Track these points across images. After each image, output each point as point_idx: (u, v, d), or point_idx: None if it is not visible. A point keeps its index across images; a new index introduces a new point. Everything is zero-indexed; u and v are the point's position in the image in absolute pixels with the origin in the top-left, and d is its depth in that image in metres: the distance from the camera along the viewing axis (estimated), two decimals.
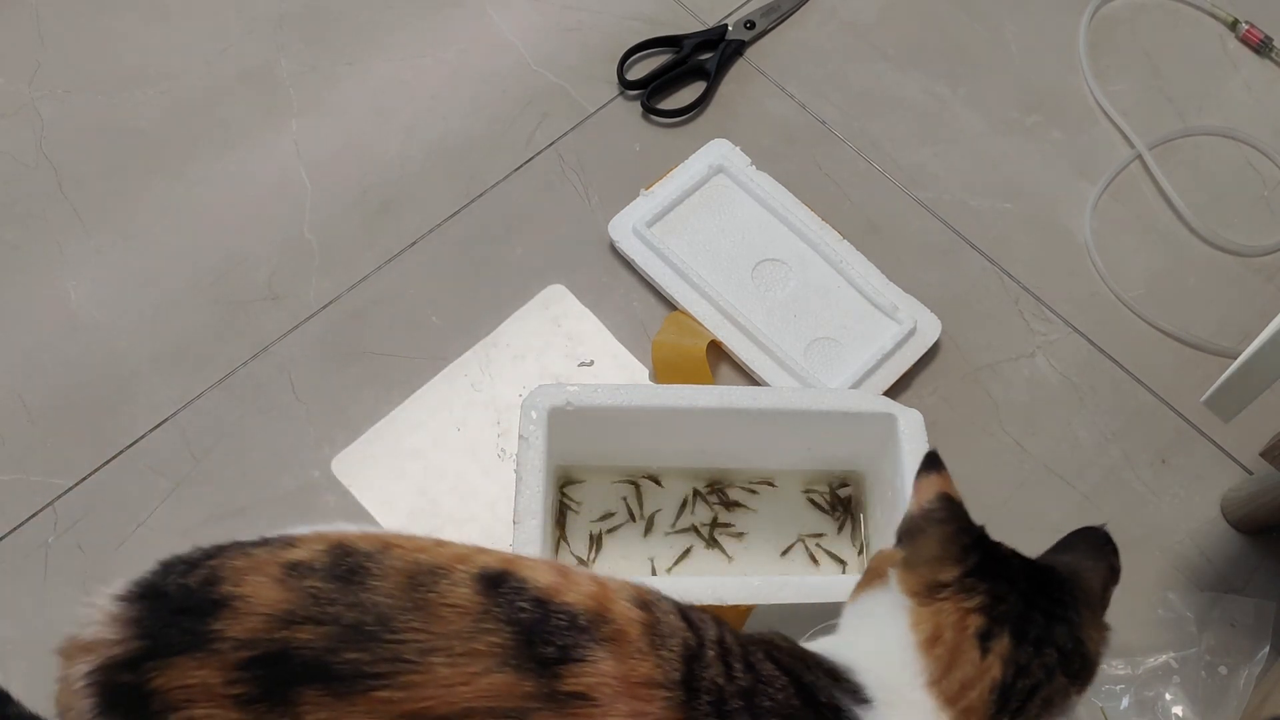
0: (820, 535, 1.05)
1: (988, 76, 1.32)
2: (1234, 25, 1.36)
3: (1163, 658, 1.01)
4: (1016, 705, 0.68)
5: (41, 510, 1.04)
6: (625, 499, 1.06)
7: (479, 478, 1.08)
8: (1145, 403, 1.15)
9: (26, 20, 1.29)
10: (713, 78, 1.28)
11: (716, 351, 1.13)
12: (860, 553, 1.05)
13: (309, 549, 0.67)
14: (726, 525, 1.06)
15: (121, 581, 0.68)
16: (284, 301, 1.15)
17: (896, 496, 0.94)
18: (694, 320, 1.14)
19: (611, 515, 1.05)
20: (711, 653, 0.67)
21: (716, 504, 1.06)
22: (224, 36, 1.29)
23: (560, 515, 1.05)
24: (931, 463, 0.78)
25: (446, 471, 1.08)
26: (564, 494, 1.06)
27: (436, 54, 1.30)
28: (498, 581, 0.66)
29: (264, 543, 0.69)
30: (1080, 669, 0.71)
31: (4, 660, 0.99)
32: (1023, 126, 1.29)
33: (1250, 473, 1.11)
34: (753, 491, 1.07)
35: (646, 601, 0.68)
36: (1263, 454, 1.00)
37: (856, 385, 1.10)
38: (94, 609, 0.67)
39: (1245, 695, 0.99)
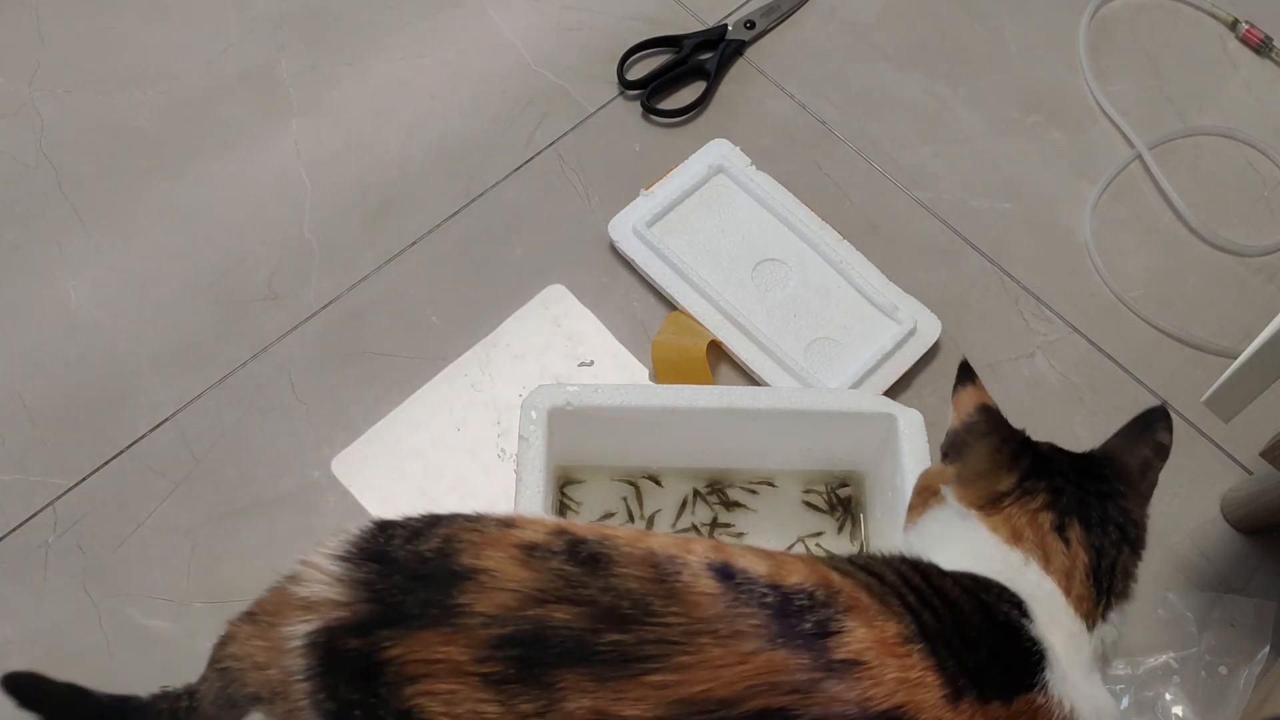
0: (820, 535, 1.05)
1: (988, 76, 1.32)
2: (1234, 25, 1.36)
3: (1163, 658, 1.00)
4: (1107, 583, 0.72)
5: (41, 510, 1.04)
6: (625, 499, 1.06)
7: (479, 478, 1.08)
8: (1145, 403, 1.14)
9: (26, 20, 1.29)
10: (713, 78, 1.28)
11: (716, 351, 1.13)
12: (860, 552, 1.05)
13: (536, 531, 0.67)
14: (726, 525, 1.06)
15: (335, 540, 0.66)
16: (284, 301, 1.15)
17: (896, 496, 0.94)
18: (694, 320, 1.14)
19: (612, 515, 1.05)
20: (912, 598, 0.67)
21: (716, 504, 1.06)
22: (224, 36, 1.29)
23: (560, 515, 1.05)
24: (966, 374, 0.80)
25: (446, 471, 1.08)
26: (564, 494, 1.06)
27: (436, 54, 1.30)
28: (728, 572, 0.65)
29: (478, 518, 0.68)
30: (1136, 538, 0.74)
31: (4, 660, 0.98)
32: (1023, 126, 1.29)
33: (1250, 473, 1.11)
34: (753, 491, 1.07)
35: (840, 568, 0.69)
36: (1263, 454, 1.01)
37: (856, 385, 1.10)
38: (312, 568, 0.65)
39: (1245, 695, 0.99)
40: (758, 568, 0.67)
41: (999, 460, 0.75)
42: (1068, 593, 0.71)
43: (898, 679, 0.63)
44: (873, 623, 0.65)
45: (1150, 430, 0.78)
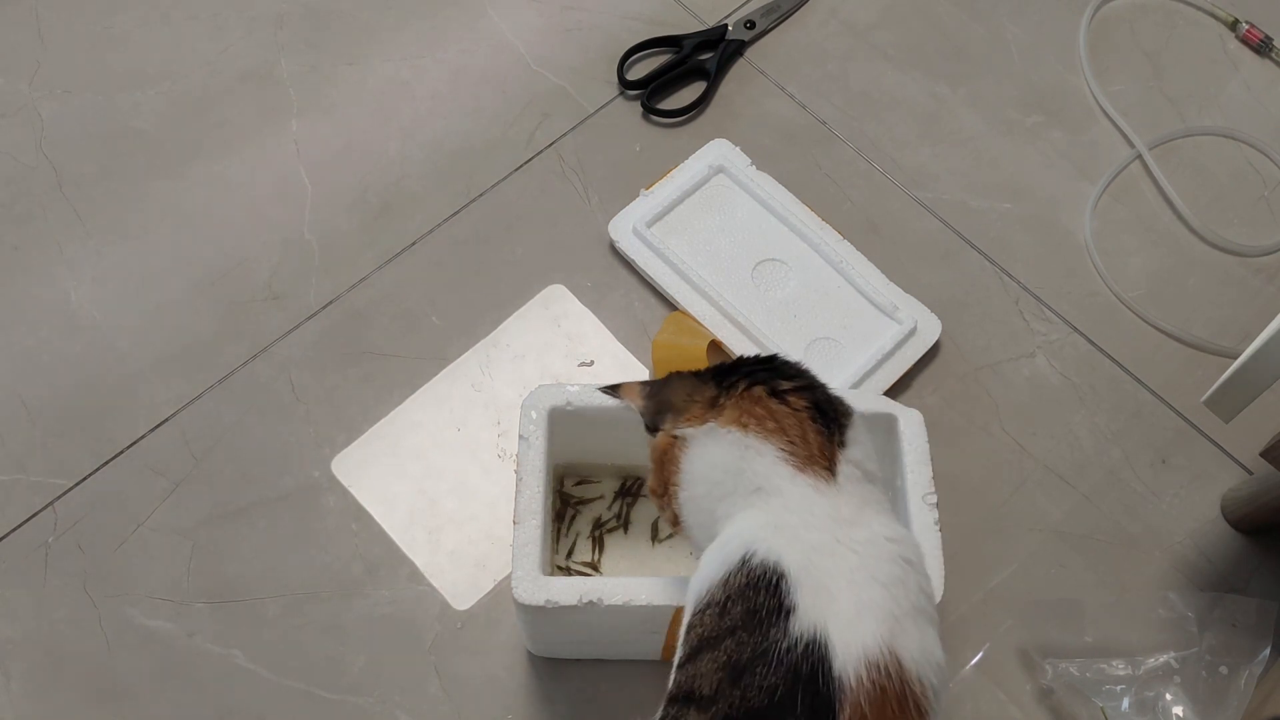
0: None
1: (988, 76, 1.32)
2: (1234, 25, 1.36)
3: (1163, 658, 1.00)
4: (830, 411, 0.78)
5: (41, 510, 1.04)
6: (625, 500, 1.06)
7: (479, 478, 1.08)
8: (1145, 403, 1.15)
9: (26, 20, 1.29)
10: (713, 78, 1.28)
11: (716, 351, 1.13)
12: None
13: None
14: None
15: None
16: (284, 301, 1.15)
17: (897, 496, 0.94)
18: (694, 320, 1.14)
19: (613, 516, 1.05)
20: None
21: None
22: (224, 36, 1.29)
23: (561, 515, 1.05)
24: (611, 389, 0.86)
25: (446, 471, 1.08)
26: (564, 494, 1.06)
27: (436, 54, 1.30)
28: None
29: None
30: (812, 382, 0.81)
31: (4, 660, 0.99)
32: (1023, 126, 1.29)
33: (1250, 473, 1.11)
34: None
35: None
36: (1263, 454, 1.00)
37: (856, 385, 1.10)
38: None
39: (1246, 695, 0.99)
40: None
41: (695, 382, 0.81)
42: (804, 461, 0.75)
43: None
44: None
45: None
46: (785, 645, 0.68)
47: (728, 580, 0.72)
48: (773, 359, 0.83)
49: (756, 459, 0.76)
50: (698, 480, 0.79)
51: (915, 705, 0.69)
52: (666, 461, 0.81)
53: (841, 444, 0.77)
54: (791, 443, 0.76)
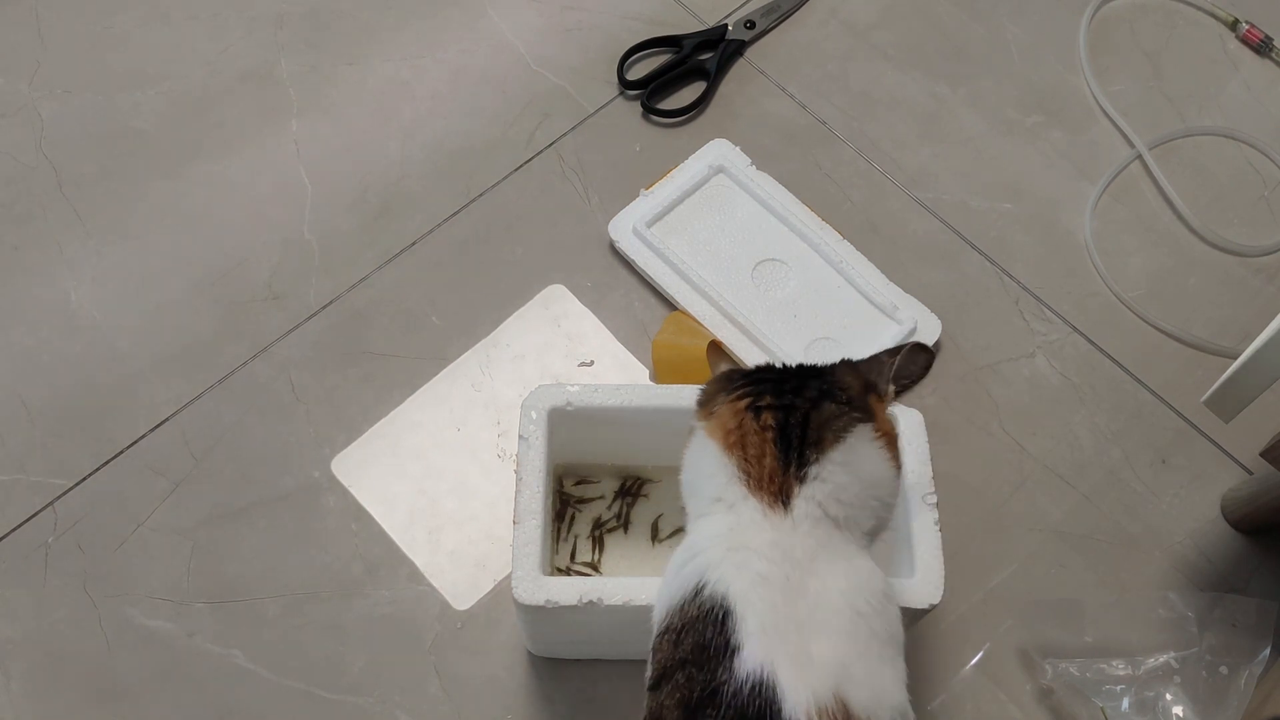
0: None
1: (988, 76, 1.32)
2: (1234, 25, 1.36)
3: (1163, 658, 1.00)
4: (797, 438, 0.74)
5: (41, 510, 1.04)
6: (625, 500, 1.06)
7: (479, 478, 1.08)
8: (1145, 403, 1.15)
9: (26, 20, 1.29)
10: (713, 78, 1.28)
11: (716, 352, 1.13)
12: None
13: None
14: None
15: None
16: (284, 301, 1.15)
17: (897, 496, 0.94)
18: (694, 320, 1.14)
19: (613, 515, 1.05)
20: None
21: None
22: (224, 36, 1.29)
23: (561, 515, 1.05)
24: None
25: (446, 471, 1.08)
26: (564, 494, 1.06)
27: (436, 54, 1.30)
28: None
29: None
30: (849, 399, 0.77)
31: (4, 660, 0.99)
32: (1023, 126, 1.29)
33: (1250, 473, 1.11)
34: None
35: None
36: (1263, 454, 1.00)
37: None
38: None
39: (1246, 695, 0.98)
40: None
41: (723, 382, 0.81)
42: (757, 484, 0.74)
43: None
44: None
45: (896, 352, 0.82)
46: (732, 688, 0.67)
47: (684, 608, 0.72)
48: (797, 370, 0.80)
49: (720, 469, 0.76)
50: (687, 469, 0.81)
51: None
52: (684, 445, 0.82)
53: (800, 477, 0.74)
54: (746, 461, 0.75)
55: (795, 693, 0.67)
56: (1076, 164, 1.27)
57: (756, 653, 0.68)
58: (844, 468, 0.75)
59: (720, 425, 0.77)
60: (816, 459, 0.74)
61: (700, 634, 0.69)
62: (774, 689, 0.67)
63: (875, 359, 0.81)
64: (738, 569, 0.71)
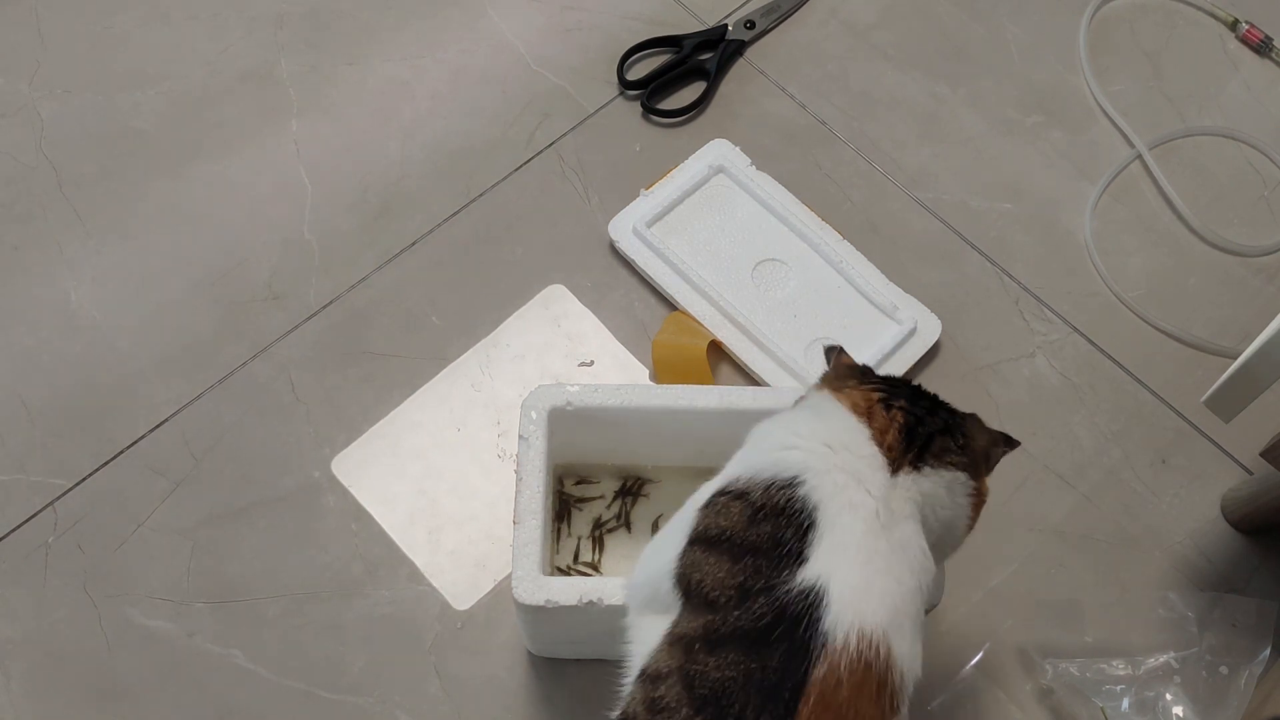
0: None
1: (988, 76, 1.32)
2: (1234, 25, 1.36)
3: (1163, 658, 1.00)
4: (920, 444, 0.78)
5: (41, 510, 1.04)
6: (625, 500, 1.06)
7: (479, 478, 1.08)
8: (1145, 403, 1.15)
9: (26, 20, 1.29)
10: (713, 78, 1.28)
11: (716, 351, 1.13)
12: None
13: None
14: None
15: None
16: (284, 301, 1.15)
17: None
18: (694, 320, 1.14)
19: (613, 515, 1.05)
20: None
21: None
22: (224, 36, 1.29)
23: (561, 515, 1.05)
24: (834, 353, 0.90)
25: (446, 471, 1.08)
26: (564, 494, 1.06)
27: (436, 54, 1.30)
28: None
29: None
30: (963, 446, 0.82)
31: (4, 660, 0.99)
32: (1023, 126, 1.29)
33: (1250, 473, 1.11)
34: None
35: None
36: (1263, 454, 1.00)
37: None
38: None
39: (1246, 695, 0.99)
40: None
41: (854, 371, 0.86)
42: (880, 443, 0.77)
43: None
44: None
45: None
46: (785, 589, 0.71)
47: (770, 489, 0.75)
48: (932, 396, 0.84)
49: (844, 422, 0.79)
50: (803, 414, 0.82)
51: (891, 698, 0.70)
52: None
53: (914, 464, 0.78)
54: (873, 429, 0.78)
55: (842, 611, 0.70)
56: (1076, 164, 1.27)
57: (819, 563, 0.72)
58: (942, 489, 0.79)
59: (850, 399, 0.80)
60: (928, 467, 0.79)
61: (779, 528, 0.73)
62: (821, 600, 0.70)
63: (994, 434, 0.86)
64: (836, 489, 0.75)
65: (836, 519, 0.73)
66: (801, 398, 0.86)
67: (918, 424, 0.79)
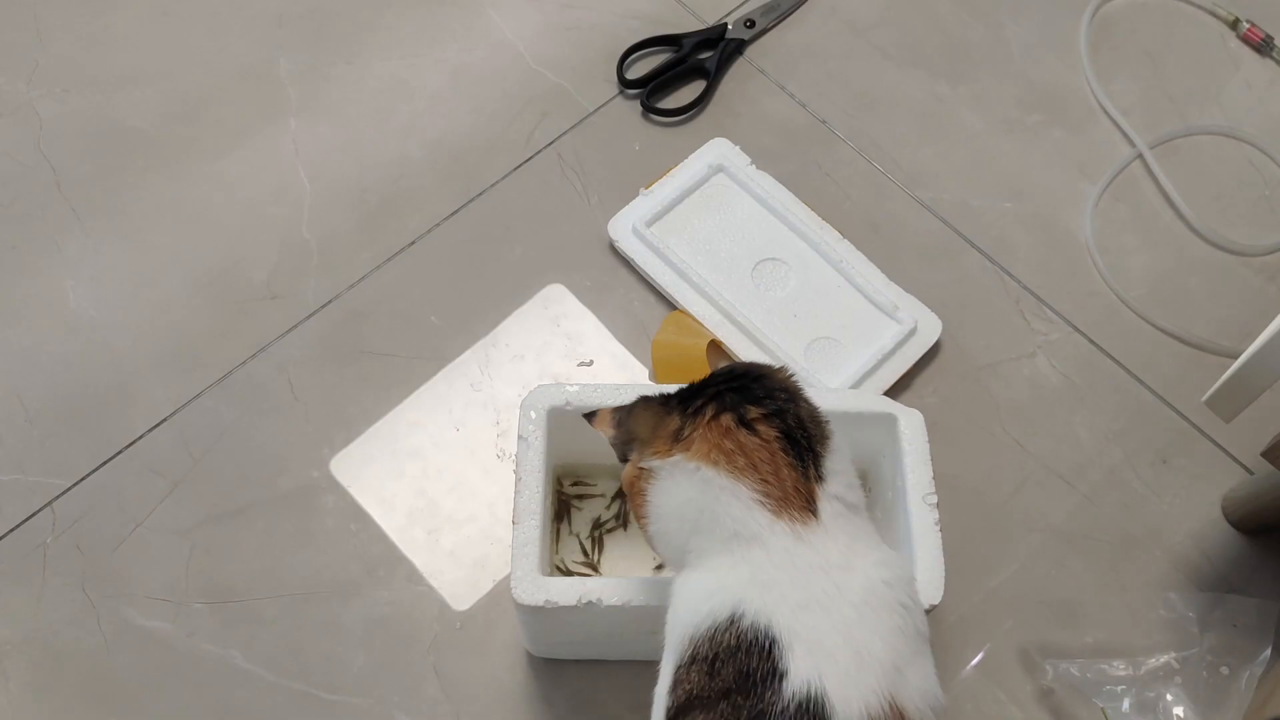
0: None
1: (988, 76, 1.32)
2: (1235, 24, 1.35)
3: (1164, 658, 1.00)
4: (803, 440, 0.72)
5: (40, 510, 1.04)
6: (624, 500, 1.06)
7: (478, 478, 1.07)
8: (1145, 403, 1.15)
9: (25, 19, 1.29)
10: (712, 77, 1.28)
11: (716, 351, 1.13)
12: None
13: None
14: None
15: None
16: (283, 301, 1.15)
17: (897, 496, 0.94)
18: (694, 320, 1.14)
19: (612, 516, 1.05)
20: None
21: None
22: (222, 36, 1.29)
23: (560, 515, 1.05)
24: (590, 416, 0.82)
25: (446, 471, 1.08)
26: (564, 494, 1.06)
27: (436, 54, 1.29)
28: None
29: None
30: (799, 396, 0.75)
31: (3, 660, 0.98)
32: (1023, 126, 1.29)
33: (1251, 473, 1.11)
34: None
35: None
36: (1263, 454, 1.00)
37: (856, 385, 1.10)
38: None
39: (1247, 696, 0.98)
40: None
41: (661, 411, 0.76)
42: (778, 502, 0.70)
43: None
44: None
45: None
46: (780, 707, 0.66)
47: (714, 637, 0.69)
48: (744, 374, 0.76)
49: (731, 501, 0.71)
50: (668, 515, 0.75)
51: None
52: (634, 494, 0.77)
53: (819, 478, 0.72)
54: (765, 481, 0.71)
55: (847, 704, 0.66)
56: (1077, 163, 1.27)
57: (804, 671, 0.66)
58: (840, 452, 0.74)
59: (710, 449, 0.72)
60: (825, 453, 0.73)
61: (743, 663, 0.67)
62: (823, 703, 0.66)
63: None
64: (778, 602, 0.69)
65: (795, 622, 0.68)
66: (641, 497, 0.76)
67: (785, 422, 0.72)
